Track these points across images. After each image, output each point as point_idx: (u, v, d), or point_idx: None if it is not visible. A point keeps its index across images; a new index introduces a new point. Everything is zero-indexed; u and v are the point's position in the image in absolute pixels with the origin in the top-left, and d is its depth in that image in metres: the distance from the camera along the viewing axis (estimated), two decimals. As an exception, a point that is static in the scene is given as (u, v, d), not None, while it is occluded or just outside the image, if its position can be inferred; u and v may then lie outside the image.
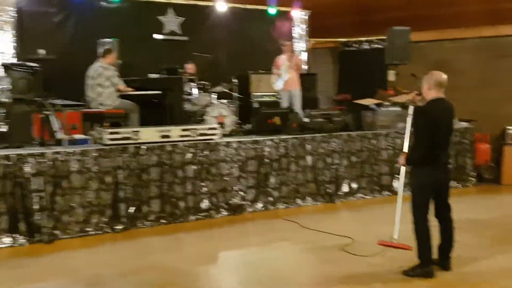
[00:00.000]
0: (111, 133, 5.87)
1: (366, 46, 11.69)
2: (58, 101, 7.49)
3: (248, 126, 8.38)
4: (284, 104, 9.20)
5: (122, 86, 7.02)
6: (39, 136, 6.59)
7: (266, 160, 6.64)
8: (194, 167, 6.18)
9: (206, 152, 6.27)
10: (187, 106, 8.38)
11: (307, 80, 10.48)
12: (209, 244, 5.38)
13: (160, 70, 8.11)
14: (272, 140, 6.70)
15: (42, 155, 5.38)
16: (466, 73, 11.26)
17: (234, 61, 10.16)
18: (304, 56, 11.32)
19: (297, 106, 9.04)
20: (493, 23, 10.83)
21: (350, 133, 7.26)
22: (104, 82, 6.90)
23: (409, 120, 4.58)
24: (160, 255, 4.99)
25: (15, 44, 7.98)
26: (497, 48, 10.79)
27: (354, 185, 7.24)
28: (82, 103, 7.75)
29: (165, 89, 7.27)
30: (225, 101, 8.63)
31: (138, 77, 7.61)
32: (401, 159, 4.41)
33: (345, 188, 7.17)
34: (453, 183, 7.87)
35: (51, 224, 5.38)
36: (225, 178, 6.38)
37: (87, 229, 5.62)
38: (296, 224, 5.89)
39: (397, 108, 7.77)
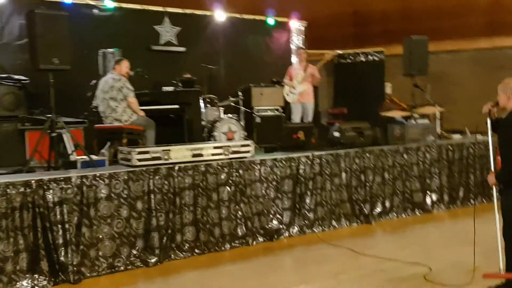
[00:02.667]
0: (140, 152, 5.14)
1: (362, 58, 11.40)
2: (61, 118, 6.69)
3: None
4: (296, 117, 8.71)
5: (131, 98, 6.27)
6: (44, 159, 5.78)
7: (301, 179, 6.07)
8: (229, 188, 5.53)
9: (240, 172, 5.63)
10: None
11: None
12: (261, 280, 4.70)
13: (172, 83, 7.41)
14: (307, 157, 6.15)
15: (66, 180, 4.58)
16: (463, 85, 11.23)
17: (232, 73, 9.62)
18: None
19: (309, 120, 8.58)
20: (490, 35, 10.84)
21: (382, 147, 6.81)
22: (116, 96, 6.17)
23: (489, 134, 4.23)
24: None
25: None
26: (494, 60, 10.80)
27: (388, 204, 6.78)
28: (82, 120, 6.97)
29: (182, 104, 6.57)
30: (233, 115, 8.03)
31: (150, 90, 6.88)
32: (491, 179, 4.02)
33: (378, 207, 6.70)
34: (479, 199, 7.62)
35: (76, 261, 4.58)
36: (260, 200, 5.76)
37: (117, 264, 4.84)
38: (348, 251, 5.32)
39: (426, 121, 7.43)
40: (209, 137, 7.35)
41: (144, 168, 5.05)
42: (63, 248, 4.52)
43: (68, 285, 4.51)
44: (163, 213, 5.12)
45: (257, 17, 10.19)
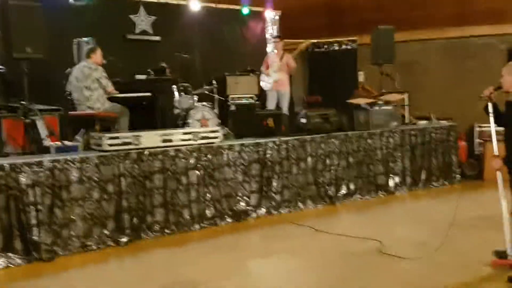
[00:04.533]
0: (111, 138, 5.39)
1: (336, 47, 11.68)
2: (37, 106, 6.88)
3: (226, 129, 8.11)
4: (271, 105, 8.98)
5: (111, 88, 6.50)
6: (18, 145, 5.99)
7: (269, 163, 6.37)
8: (198, 172, 5.81)
9: (209, 156, 5.91)
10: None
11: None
12: (232, 255, 5.01)
13: (144, 71, 7.61)
14: (274, 142, 6.44)
15: (39, 164, 4.82)
16: (434, 73, 11.58)
17: (207, 62, 9.79)
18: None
19: (285, 107, 8.86)
20: (459, 25, 11.18)
21: (347, 133, 7.13)
22: (91, 84, 6.36)
23: (492, 119, 4.16)
24: (174, 270, 4.57)
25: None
26: (463, 49, 11.15)
27: (352, 186, 7.12)
28: (57, 108, 7.15)
29: (155, 91, 6.81)
30: (208, 103, 8.28)
31: (123, 78, 7.10)
32: (495, 163, 3.99)
33: (343, 189, 7.03)
34: (440, 182, 8.01)
35: (49, 240, 4.84)
36: (229, 184, 6.05)
37: (89, 243, 5.11)
38: (311, 230, 5.65)
39: (390, 107, 7.76)
40: (184, 124, 7.59)
41: (115, 153, 5.29)
42: (36, 228, 4.77)
43: (42, 263, 4.76)
44: (134, 196, 5.38)
45: (232, 7, 10.38)
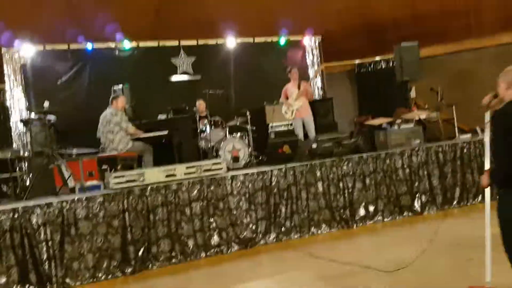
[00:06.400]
0: (116, 177, 5.96)
1: (382, 65, 11.54)
2: (74, 150, 7.73)
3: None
4: (298, 132, 9.14)
5: (132, 129, 7.16)
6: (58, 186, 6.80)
7: (275, 190, 6.55)
8: (201, 203, 6.17)
9: (212, 188, 6.25)
10: (202, 143, 8.48)
11: (322, 105, 10.43)
12: (219, 281, 5.29)
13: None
14: (279, 169, 6.62)
15: (48, 205, 5.50)
16: (486, 83, 10.92)
17: (247, 94, 10.25)
18: (318, 82, 11.32)
19: (312, 133, 8.96)
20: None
21: (361, 155, 7.08)
22: (113, 128, 7.05)
23: (487, 130, 3.81)
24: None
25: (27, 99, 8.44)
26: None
27: (371, 208, 7.01)
28: (95, 151, 7.96)
29: (172, 129, 7.35)
30: (238, 134, 8.66)
31: (148, 120, 7.77)
32: (483, 179, 3.55)
33: (361, 212, 6.95)
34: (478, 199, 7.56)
35: (61, 273, 5.45)
36: (233, 212, 6.33)
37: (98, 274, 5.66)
38: (308, 254, 5.73)
39: (410, 125, 7.56)
40: (216, 156, 8.05)
41: (118, 190, 5.84)
42: (47, 262, 5.41)
43: (55, 293, 5.39)
44: (139, 229, 5.87)
45: (269, 39, 10.77)
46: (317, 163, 6.82)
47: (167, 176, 6.17)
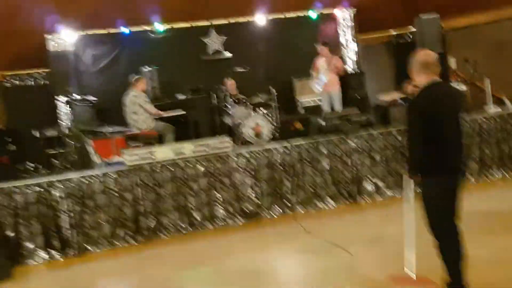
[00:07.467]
0: (130, 155, 6.55)
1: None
2: (110, 129, 8.42)
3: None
4: (325, 106, 9.27)
5: (154, 110, 7.71)
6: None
7: (279, 167, 6.85)
8: (207, 179, 6.62)
9: (218, 165, 6.67)
10: (227, 120, 8.89)
11: (354, 79, 10.38)
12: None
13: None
14: (285, 147, 6.90)
15: (69, 180, 6.22)
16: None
17: (277, 70, 10.46)
18: (352, 55, 11.26)
19: (337, 107, 9.06)
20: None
21: (371, 132, 7.17)
22: (138, 110, 7.62)
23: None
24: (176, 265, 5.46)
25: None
26: None
27: (380, 184, 7.14)
28: (123, 130, 8.60)
29: (188, 108, 7.82)
30: (262, 111, 8.97)
31: (169, 100, 8.30)
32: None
33: (368, 187, 7.10)
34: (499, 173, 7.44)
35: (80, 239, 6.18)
36: (239, 187, 6.73)
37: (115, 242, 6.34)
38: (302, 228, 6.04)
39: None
40: (240, 133, 8.46)
41: (132, 167, 6.44)
42: (69, 231, 6.15)
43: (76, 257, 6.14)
44: (150, 202, 6.45)
45: (300, 13, 10.82)
46: (323, 140, 7.02)
47: (176, 153, 6.66)
